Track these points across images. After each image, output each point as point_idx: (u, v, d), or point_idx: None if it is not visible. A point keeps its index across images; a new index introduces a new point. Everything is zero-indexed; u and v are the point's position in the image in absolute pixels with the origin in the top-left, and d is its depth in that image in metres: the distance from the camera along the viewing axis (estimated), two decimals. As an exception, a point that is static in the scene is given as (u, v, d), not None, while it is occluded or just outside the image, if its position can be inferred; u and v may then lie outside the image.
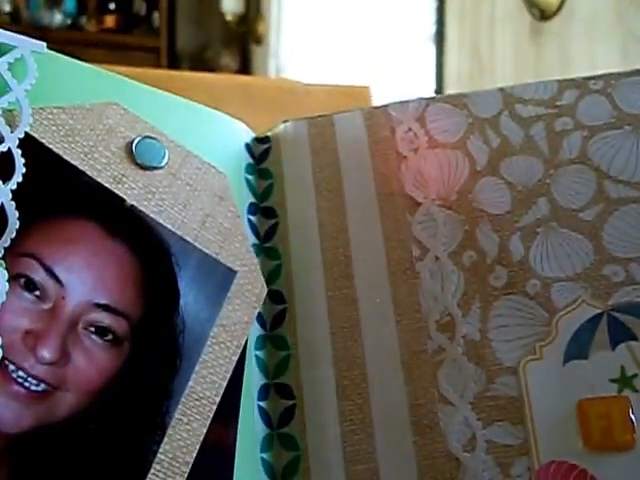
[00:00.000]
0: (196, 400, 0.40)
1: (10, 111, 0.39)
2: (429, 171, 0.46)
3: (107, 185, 0.40)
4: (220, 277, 0.42)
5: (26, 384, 0.38)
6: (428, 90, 2.22)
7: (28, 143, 0.39)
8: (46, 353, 0.38)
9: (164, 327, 0.42)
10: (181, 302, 0.42)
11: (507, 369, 0.42)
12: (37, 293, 0.39)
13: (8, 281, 0.38)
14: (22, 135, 0.39)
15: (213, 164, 0.43)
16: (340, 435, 0.43)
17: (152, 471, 0.38)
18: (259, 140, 0.50)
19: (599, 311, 0.42)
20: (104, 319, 0.40)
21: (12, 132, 0.39)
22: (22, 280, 0.39)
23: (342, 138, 0.49)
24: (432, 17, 2.28)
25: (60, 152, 0.40)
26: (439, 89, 2.21)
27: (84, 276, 0.40)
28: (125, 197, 0.41)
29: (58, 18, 3.69)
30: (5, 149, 0.38)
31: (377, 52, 2.55)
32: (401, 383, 0.43)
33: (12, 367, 0.38)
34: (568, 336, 0.42)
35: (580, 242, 0.43)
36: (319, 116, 0.50)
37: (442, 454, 0.42)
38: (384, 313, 0.45)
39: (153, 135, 0.42)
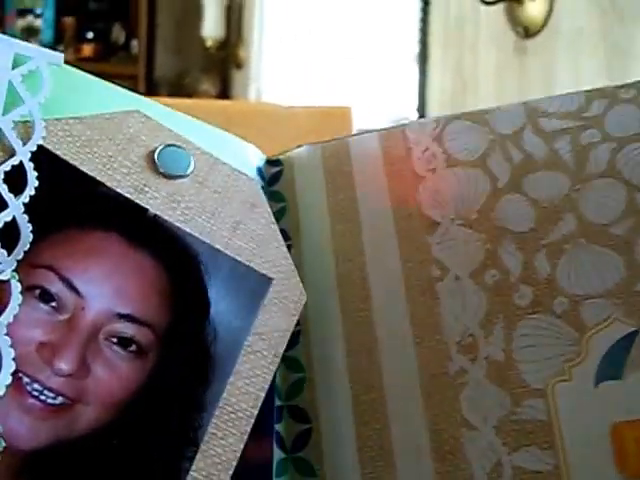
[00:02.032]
0: (231, 413, 0.38)
1: (23, 123, 0.38)
2: (448, 190, 0.45)
3: (128, 195, 0.39)
4: (254, 285, 0.40)
5: (42, 397, 0.37)
6: (411, 109, 2.23)
7: (43, 155, 0.38)
8: (63, 365, 0.37)
9: (193, 336, 0.41)
10: (212, 311, 0.41)
11: (534, 391, 0.40)
12: (53, 304, 0.38)
13: (22, 293, 0.36)
14: (34, 148, 0.38)
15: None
16: (359, 462, 0.42)
17: None
18: (270, 163, 0.49)
19: (633, 329, 0.40)
20: (127, 329, 0.39)
21: (24, 145, 0.38)
22: (37, 291, 0.38)
23: (357, 161, 0.48)
24: (416, 37, 2.30)
25: (77, 163, 0.38)
26: (422, 108, 2.23)
27: (105, 286, 0.39)
28: (147, 207, 0.39)
29: (34, 47, 3.68)
30: (17, 162, 0.37)
31: (360, 74, 2.56)
32: (421, 407, 0.42)
33: (26, 379, 0.37)
34: (599, 355, 0.40)
35: (610, 257, 0.42)
36: (334, 139, 0.49)
37: (466, 482, 0.40)
38: (403, 335, 0.43)
39: (177, 143, 0.41)
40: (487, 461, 0.40)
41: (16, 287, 0.36)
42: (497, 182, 0.45)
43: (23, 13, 3.81)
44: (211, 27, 3.64)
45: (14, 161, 0.37)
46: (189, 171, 0.41)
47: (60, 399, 0.37)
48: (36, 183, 0.37)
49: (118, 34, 3.93)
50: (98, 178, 0.39)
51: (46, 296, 0.38)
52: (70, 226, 0.40)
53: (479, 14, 2.01)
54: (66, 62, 0.40)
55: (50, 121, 0.39)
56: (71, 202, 0.40)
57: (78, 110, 0.39)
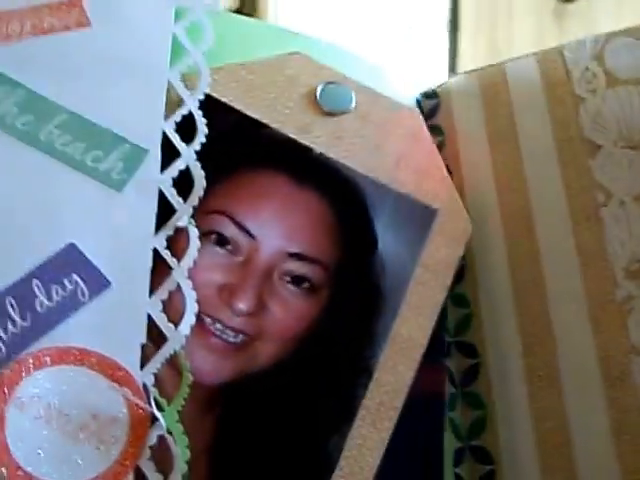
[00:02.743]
0: (402, 343, 0.38)
1: (189, 74, 0.39)
2: (609, 111, 0.44)
3: (292, 135, 0.40)
4: (419, 217, 0.41)
5: (224, 336, 0.39)
6: (442, 78, 2.18)
7: (209, 103, 0.39)
8: (242, 305, 0.38)
9: (363, 271, 0.41)
10: (379, 244, 0.41)
11: None
12: (229, 247, 0.39)
13: (200, 238, 0.38)
14: (202, 97, 0.39)
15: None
16: (527, 393, 0.42)
17: (359, 416, 0.38)
18: (427, 95, 0.49)
19: None
20: (299, 268, 0.40)
21: (192, 95, 0.39)
22: (213, 236, 0.39)
23: (515, 86, 0.46)
24: (447, 4, 2.25)
25: (242, 108, 0.39)
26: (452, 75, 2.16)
27: (276, 227, 0.40)
28: (312, 145, 0.40)
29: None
30: (186, 112, 0.38)
31: (388, 41, 2.50)
32: (589, 334, 0.41)
33: (209, 320, 0.39)
34: None
35: None
36: (489, 66, 0.48)
37: (636, 407, 0.40)
38: (568, 263, 0.43)
39: (338, 81, 0.41)
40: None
41: (194, 233, 0.38)
42: (663, 100, 0.43)
43: None
44: None
45: (183, 111, 0.38)
46: (351, 107, 0.41)
47: (240, 337, 0.39)
48: (206, 130, 0.38)
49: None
50: (263, 120, 0.39)
51: (222, 240, 0.39)
52: (239, 170, 0.41)
53: (515, -25, 1.93)
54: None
55: (214, 69, 0.39)
56: (238, 146, 0.41)
57: (241, 54, 0.40)
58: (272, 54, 0.40)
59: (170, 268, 0.37)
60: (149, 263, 0.37)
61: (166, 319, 0.36)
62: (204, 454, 0.39)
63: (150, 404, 0.35)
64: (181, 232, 0.38)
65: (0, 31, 0.37)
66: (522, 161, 0.45)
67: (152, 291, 0.37)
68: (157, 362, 0.36)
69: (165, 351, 0.36)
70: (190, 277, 0.37)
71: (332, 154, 0.40)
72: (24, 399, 0.34)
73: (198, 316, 0.37)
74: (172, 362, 0.37)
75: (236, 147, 0.40)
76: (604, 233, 0.42)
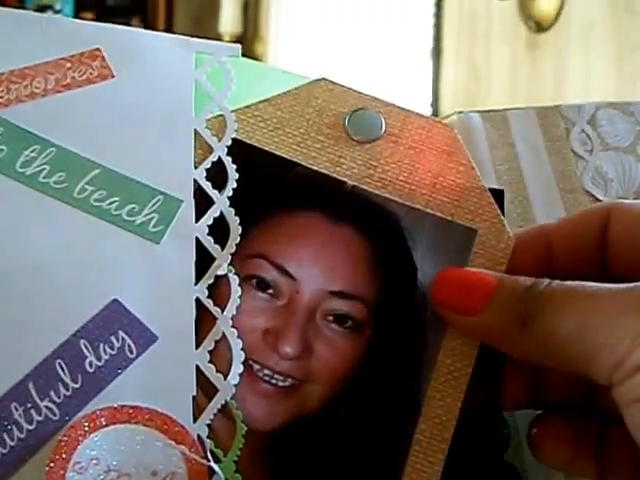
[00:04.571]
0: (447, 374, 0.38)
1: (214, 120, 0.39)
2: (606, 171, 0.47)
3: (325, 171, 0.39)
4: (459, 239, 0.39)
5: (273, 381, 0.38)
6: (424, 102, 2.26)
7: (238, 146, 0.39)
8: (288, 349, 0.38)
9: (405, 303, 0.41)
10: (419, 274, 0.40)
11: None
12: (270, 291, 0.39)
13: (240, 285, 0.38)
14: (229, 142, 0.38)
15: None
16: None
17: (412, 452, 0.37)
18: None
19: None
20: (341, 306, 0.40)
21: (219, 141, 0.38)
22: (254, 281, 0.39)
23: (517, 134, 0.48)
24: (430, 32, 2.33)
25: (272, 148, 0.39)
26: (435, 102, 2.26)
27: (315, 267, 0.39)
28: (345, 179, 0.39)
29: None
30: (215, 158, 0.38)
31: (374, 69, 2.58)
32: None
33: (257, 367, 0.38)
34: None
35: None
36: (489, 110, 0.49)
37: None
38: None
39: (366, 105, 0.39)
40: None
41: (234, 281, 0.37)
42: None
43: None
44: (228, 23, 3.64)
45: (213, 157, 0.38)
46: (381, 132, 0.39)
47: (289, 381, 0.39)
48: (236, 176, 0.38)
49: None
50: (294, 159, 0.39)
51: (263, 284, 0.39)
52: (273, 211, 0.40)
53: (492, 8, 2.02)
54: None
55: (241, 109, 0.39)
56: (271, 188, 0.40)
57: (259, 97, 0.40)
58: (297, 84, 0.39)
59: (214, 318, 0.37)
60: (193, 314, 0.36)
61: (214, 370, 0.36)
62: None
63: (206, 456, 0.35)
64: (221, 280, 0.37)
65: (25, 89, 0.36)
66: (530, 202, 0.47)
67: (197, 342, 0.36)
68: (209, 414, 0.36)
69: (216, 402, 0.36)
70: (234, 324, 0.37)
71: (366, 185, 0.39)
72: (83, 463, 0.33)
73: (246, 363, 0.37)
74: (224, 412, 0.36)
75: (269, 189, 0.40)
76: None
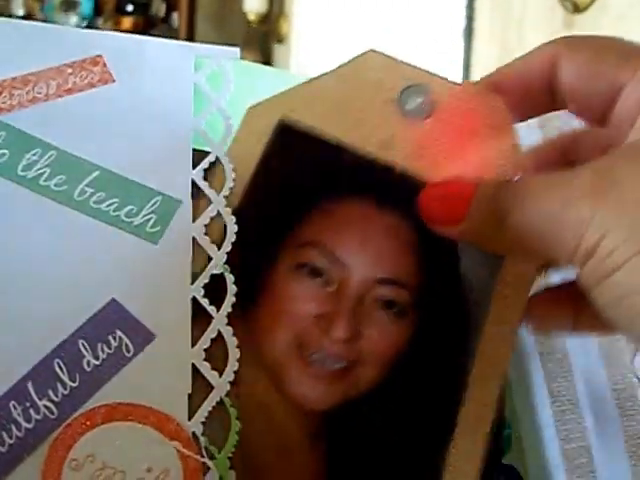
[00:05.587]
0: (488, 359, 0.38)
1: (213, 121, 0.39)
2: None
3: (374, 153, 0.37)
4: None
5: (326, 364, 0.40)
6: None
7: (285, 136, 0.38)
8: (339, 333, 0.40)
9: (449, 291, 0.42)
10: (461, 261, 0.41)
11: None
12: (321, 278, 0.41)
13: (293, 271, 0.41)
14: (227, 145, 0.39)
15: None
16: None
17: (457, 430, 0.37)
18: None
19: None
20: (389, 292, 0.41)
21: (217, 142, 0.39)
22: (306, 269, 0.41)
23: None
24: (463, 12, 2.29)
25: (323, 130, 0.37)
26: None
27: (364, 254, 0.41)
28: (394, 162, 0.37)
29: (73, 20, 3.61)
30: (213, 159, 0.39)
31: (404, 48, 2.54)
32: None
33: (310, 350, 0.40)
34: None
35: None
36: None
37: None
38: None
39: (419, 80, 0.37)
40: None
41: (230, 279, 0.38)
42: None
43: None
44: (253, 1, 3.60)
45: (211, 158, 0.39)
46: (434, 109, 0.37)
47: (341, 363, 0.40)
48: (233, 176, 0.38)
49: (158, 7, 3.83)
50: (344, 140, 0.37)
51: (315, 271, 0.41)
52: (322, 200, 0.42)
53: (527, -12, 1.96)
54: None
55: (287, 92, 0.38)
56: (319, 176, 0.41)
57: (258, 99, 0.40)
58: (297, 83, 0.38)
59: (210, 317, 0.37)
60: (189, 313, 0.37)
61: (210, 367, 0.37)
62: None
63: (201, 453, 0.36)
64: (219, 279, 0.38)
65: (27, 94, 0.37)
66: None
67: (194, 340, 0.37)
68: (204, 411, 0.36)
69: (212, 399, 0.37)
70: (288, 310, 0.40)
71: (414, 168, 0.37)
72: (80, 460, 0.34)
73: (300, 347, 0.40)
74: (219, 410, 0.37)
75: (317, 178, 0.41)
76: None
